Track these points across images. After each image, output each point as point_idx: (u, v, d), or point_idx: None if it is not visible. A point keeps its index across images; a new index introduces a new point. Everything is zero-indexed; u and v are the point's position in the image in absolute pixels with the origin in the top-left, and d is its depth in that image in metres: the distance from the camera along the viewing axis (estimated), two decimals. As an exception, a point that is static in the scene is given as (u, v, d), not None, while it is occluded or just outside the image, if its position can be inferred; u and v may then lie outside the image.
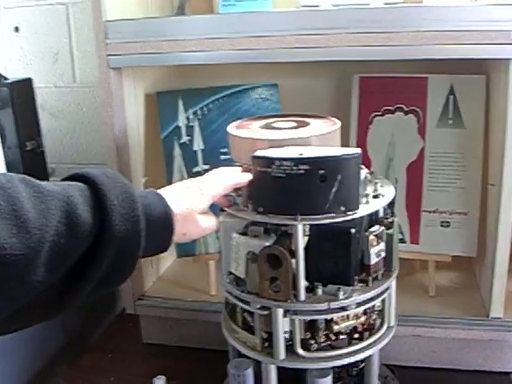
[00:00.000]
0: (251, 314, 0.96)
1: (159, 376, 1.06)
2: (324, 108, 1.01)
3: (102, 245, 0.70)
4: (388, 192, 0.96)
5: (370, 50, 1.11)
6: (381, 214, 0.97)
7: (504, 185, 1.14)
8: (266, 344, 0.96)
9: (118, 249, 0.71)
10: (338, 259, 0.88)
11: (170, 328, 1.43)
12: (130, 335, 1.50)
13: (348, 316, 0.93)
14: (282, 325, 0.91)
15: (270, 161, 0.85)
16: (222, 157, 1.37)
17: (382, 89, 1.35)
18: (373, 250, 0.91)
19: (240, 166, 0.96)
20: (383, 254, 0.93)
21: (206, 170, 1.34)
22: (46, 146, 1.53)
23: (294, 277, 0.89)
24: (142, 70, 1.36)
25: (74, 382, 1.34)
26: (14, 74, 1.68)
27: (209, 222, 0.90)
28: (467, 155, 1.29)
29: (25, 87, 1.47)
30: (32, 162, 1.46)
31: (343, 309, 0.91)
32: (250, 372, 1.02)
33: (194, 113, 1.39)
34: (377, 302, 0.96)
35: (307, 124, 0.99)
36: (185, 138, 1.38)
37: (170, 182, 1.39)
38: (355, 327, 0.96)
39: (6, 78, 1.46)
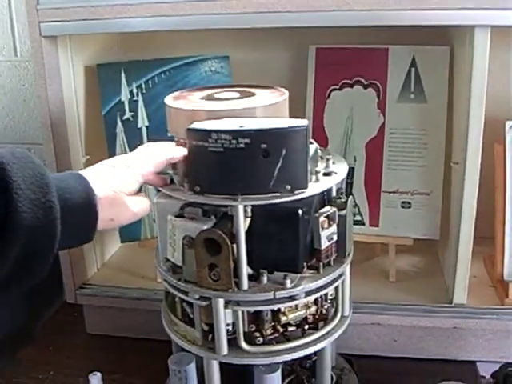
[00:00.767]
0: (191, 304, 0.87)
1: (94, 372, 0.97)
2: (278, 82, 0.92)
3: (6, 235, 0.60)
4: (341, 169, 0.87)
5: (324, 15, 1.02)
6: (334, 193, 0.88)
7: (468, 163, 1.07)
8: (208, 337, 0.87)
9: (27, 240, 0.61)
10: (285, 243, 0.80)
11: (115, 318, 1.33)
12: (73, 326, 1.41)
13: (297, 306, 0.85)
14: (224, 317, 0.83)
15: (206, 134, 0.76)
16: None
17: (340, 61, 1.26)
18: (323, 233, 0.82)
19: (176, 141, 0.87)
20: (335, 238, 0.84)
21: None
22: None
23: (236, 264, 0.80)
24: (81, 40, 1.24)
25: (10, 377, 1.24)
26: None
27: (140, 205, 0.79)
28: (430, 132, 1.22)
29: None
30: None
31: (291, 298, 0.82)
32: (192, 367, 0.93)
33: (138, 87, 1.28)
34: (329, 291, 0.87)
35: (252, 94, 0.90)
36: (128, 114, 1.28)
37: (112, 161, 1.29)
38: (305, 318, 0.88)
39: None
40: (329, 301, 0.90)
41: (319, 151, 0.89)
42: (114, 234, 1.38)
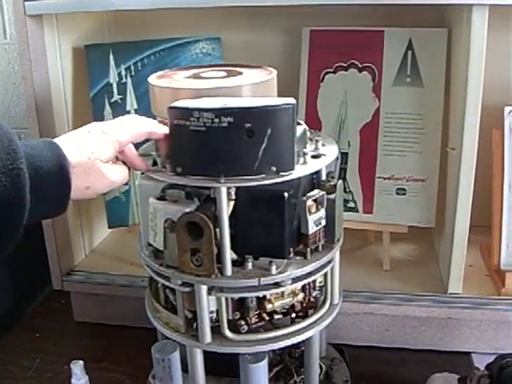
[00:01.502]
0: (173, 291, 0.84)
1: (76, 360, 0.94)
2: (271, 64, 0.89)
3: None
4: (331, 152, 0.83)
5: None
6: (323, 177, 0.84)
7: (464, 148, 1.04)
8: (192, 325, 0.83)
9: None
10: (270, 228, 0.76)
11: (103, 305, 1.31)
12: (61, 313, 1.39)
13: (283, 293, 0.82)
14: (207, 304, 0.79)
15: (187, 112, 0.72)
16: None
17: (335, 43, 1.23)
18: (311, 218, 0.79)
19: (159, 121, 0.83)
20: (323, 223, 0.81)
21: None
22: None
23: (219, 248, 0.76)
24: (68, 20, 1.21)
25: (-6, 364, 1.22)
26: None
27: (117, 173, 0.75)
28: (426, 116, 1.19)
29: None
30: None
31: (277, 285, 0.79)
32: (175, 356, 0.90)
33: (127, 68, 1.25)
34: (317, 277, 0.84)
35: (239, 74, 0.86)
36: (116, 97, 1.25)
37: (100, 145, 1.26)
38: (293, 306, 0.84)
39: None
40: (317, 288, 0.87)
41: (308, 133, 0.85)
42: (102, 220, 1.35)
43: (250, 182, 0.74)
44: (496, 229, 1.18)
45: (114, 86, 1.25)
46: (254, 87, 0.80)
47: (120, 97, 1.25)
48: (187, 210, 0.76)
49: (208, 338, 0.81)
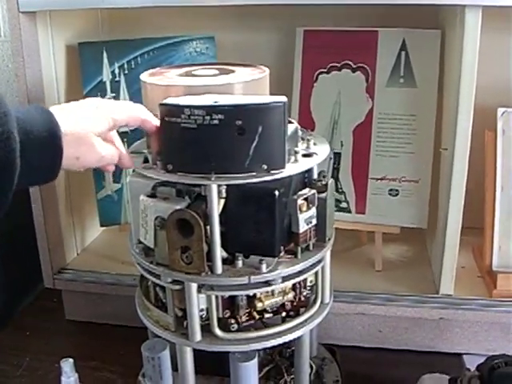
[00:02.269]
0: (164, 289, 0.83)
1: (65, 359, 0.93)
2: (265, 64, 0.89)
3: None
4: (322, 151, 0.83)
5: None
6: (315, 176, 0.84)
7: (457, 149, 1.04)
8: (183, 323, 0.83)
9: None
10: (260, 226, 0.76)
11: (95, 304, 1.30)
12: (52, 312, 1.38)
13: (273, 292, 0.81)
14: (197, 301, 0.79)
15: (178, 109, 0.72)
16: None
17: (328, 44, 1.23)
18: (302, 216, 0.78)
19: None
20: (314, 221, 0.81)
21: (133, 131, 1.23)
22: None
23: (210, 246, 0.76)
24: (62, 17, 1.21)
25: (-16, 362, 1.22)
26: None
27: (108, 149, 0.75)
28: (419, 117, 1.19)
29: None
30: None
31: (267, 283, 0.79)
32: (165, 354, 0.90)
33: (121, 67, 1.25)
34: (308, 276, 0.84)
35: (232, 72, 0.86)
36: (109, 95, 1.25)
37: (93, 144, 1.26)
38: (283, 305, 0.84)
39: None
40: (308, 287, 0.87)
41: (300, 131, 0.85)
42: (95, 219, 1.35)
43: (241, 180, 0.73)
44: (488, 230, 1.18)
45: (108, 84, 1.24)
46: (245, 85, 0.80)
47: (113, 95, 1.24)
48: (178, 207, 0.76)
49: (198, 336, 0.81)
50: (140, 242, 0.83)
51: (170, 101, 0.75)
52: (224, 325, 0.82)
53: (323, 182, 0.82)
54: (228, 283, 0.78)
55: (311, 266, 0.82)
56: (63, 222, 1.28)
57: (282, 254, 0.80)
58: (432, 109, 1.17)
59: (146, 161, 0.82)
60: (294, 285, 0.83)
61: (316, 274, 0.86)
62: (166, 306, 0.84)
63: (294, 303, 0.85)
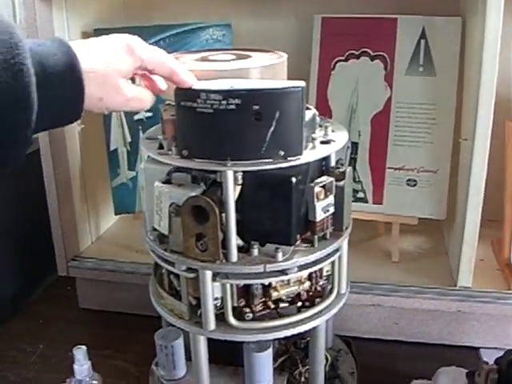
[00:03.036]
0: (178, 277, 0.82)
1: (78, 346, 0.92)
2: (282, 52, 0.87)
3: None
4: (340, 138, 0.82)
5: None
6: (332, 163, 0.83)
7: (477, 139, 1.02)
8: (197, 312, 0.82)
9: None
10: (277, 213, 0.75)
11: (108, 292, 1.30)
12: (66, 300, 1.38)
13: (289, 281, 0.80)
14: (212, 290, 0.78)
15: (194, 93, 0.71)
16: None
17: (347, 31, 1.20)
18: (319, 204, 0.77)
19: (166, 104, 0.82)
20: (332, 210, 0.79)
21: (149, 118, 1.22)
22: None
23: (225, 234, 0.75)
24: (78, 3, 1.20)
25: (-2, 349, 1.22)
26: None
27: (135, 91, 0.69)
28: (438, 107, 1.16)
29: None
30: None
31: (282, 272, 0.77)
32: (179, 343, 0.89)
33: (136, 53, 1.23)
34: (324, 266, 0.82)
35: (249, 57, 0.84)
36: (125, 82, 1.23)
37: (107, 132, 1.25)
38: (299, 294, 0.83)
39: None
40: (324, 277, 0.85)
41: (318, 118, 0.84)
42: (109, 207, 1.34)
43: (257, 167, 0.72)
44: (507, 223, 1.16)
45: (123, 71, 1.23)
46: (263, 70, 0.79)
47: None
48: (193, 193, 0.74)
49: (212, 325, 0.80)
50: (154, 229, 0.82)
51: (185, 85, 0.73)
52: (239, 314, 0.80)
53: (341, 170, 0.81)
54: (243, 271, 0.76)
55: (328, 255, 0.81)
56: (77, 210, 1.28)
57: (298, 243, 0.78)
58: (452, 98, 1.15)
59: (160, 147, 0.80)
60: (310, 274, 0.82)
61: (333, 263, 0.84)
62: (180, 294, 0.83)
63: (310, 293, 0.84)
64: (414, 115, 1.17)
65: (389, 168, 1.20)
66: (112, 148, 1.26)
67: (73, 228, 1.26)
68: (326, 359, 0.97)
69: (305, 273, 0.80)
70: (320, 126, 0.84)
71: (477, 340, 1.16)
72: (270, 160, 0.72)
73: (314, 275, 0.83)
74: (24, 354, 1.19)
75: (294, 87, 0.71)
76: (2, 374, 1.14)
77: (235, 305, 0.80)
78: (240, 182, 0.74)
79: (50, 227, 1.24)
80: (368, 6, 1.19)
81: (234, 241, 0.76)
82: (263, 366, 0.85)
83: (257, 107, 0.70)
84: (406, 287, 1.13)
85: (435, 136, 1.17)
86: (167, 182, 0.78)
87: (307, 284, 0.82)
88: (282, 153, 0.72)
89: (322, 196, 0.77)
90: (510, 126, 1.14)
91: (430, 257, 1.25)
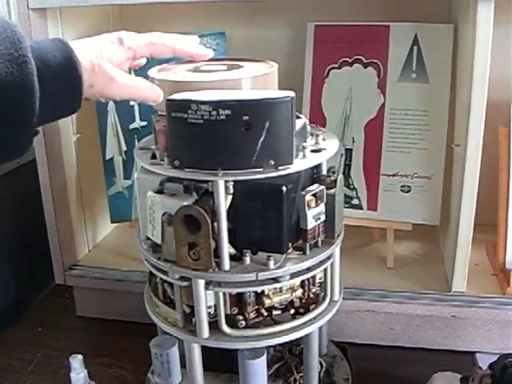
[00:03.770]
0: (171, 285, 0.83)
1: (74, 355, 0.93)
2: (275, 59, 0.88)
3: None
4: (331, 146, 0.82)
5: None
6: (324, 172, 0.84)
7: (469, 145, 1.03)
8: (191, 320, 0.83)
9: (3, 98, 0.58)
10: (268, 222, 0.76)
11: (106, 300, 1.30)
12: (64, 308, 1.38)
13: (281, 289, 0.81)
14: (205, 298, 0.79)
15: (185, 104, 0.72)
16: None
17: (340, 38, 1.21)
18: (310, 213, 0.78)
19: (159, 115, 0.83)
20: (323, 218, 0.80)
21: (144, 127, 1.23)
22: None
23: (217, 243, 0.76)
24: (73, 14, 1.21)
25: (-5, 357, 1.22)
26: None
27: (128, 79, 0.73)
28: (431, 113, 1.17)
29: None
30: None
31: (275, 280, 0.78)
32: (174, 351, 0.89)
33: (131, 63, 1.24)
34: (317, 273, 0.83)
35: (240, 67, 0.85)
36: (120, 91, 1.24)
37: (103, 140, 1.26)
38: (292, 302, 0.83)
39: None
40: (317, 284, 0.86)
41: (308, 127, 0.84)
42: (106, 215, 1.35)
43: (248, 176, 0.73)
44: (502, 227, 1.16)
45: (118, 80, 1.23)
46: (253, 80, 0.79)
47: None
48: (185, 203, 0.75)
49: (206, 333, 0.81)
50: (148, 239, 0.83)
51: (176, 96, 0.74)
52: (232, 321, 0.81)
53: (332, 178, 0.82)
54: (236, 280, 0.77)
55: (320, 262, 0.81)
56: (74, 219, 1.28)
57: (290, 251, 0.79)
58: (444, 104, 1.16)
59: (153, 157, 0.81)
60: (302, 281, 0.82)
61: (325, 270, 0.85)
62: (174, 302, 0.83)
63: (303, 300, 0.84)
64: (408, 121, 1.18)
65: (383, 174, 1.21)
66: (108, 157, 1.27)
67: (70, 237, 1.27)
68: (321, 366, 0.98)
69: (297, 280, 0.80)
70: (311, 134, 0.85)
71: (472, 345, 1.16)
72: (261, 169, 0.73)
73: (306, 282, 0.83)
74: (22, 363, 1.20)
75: (283, 97, 0.71)
76: (-1, 383, 1.15)
77: (228, 313, 0.81)
78: (231, 191, 0.74)
79: (47, 235, 1.25)
80: (361, 13, 1.20)
81: (226, 249, 0.76)
82: (258, 372, 0.86)
83: (247, 117, 0.71)
84: (401, 293, 1.14)
85: (428, 142, 1.17)
86: (160, 191, 0.79)
87: (300, 291, 0.83)
88: (273, 162, 0.73)
89: (313, 204, 0.78)
90: (503, 131, 1.14)
91: (425, 262, 1.25)
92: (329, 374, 0.99)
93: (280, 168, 0.74)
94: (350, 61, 1.20)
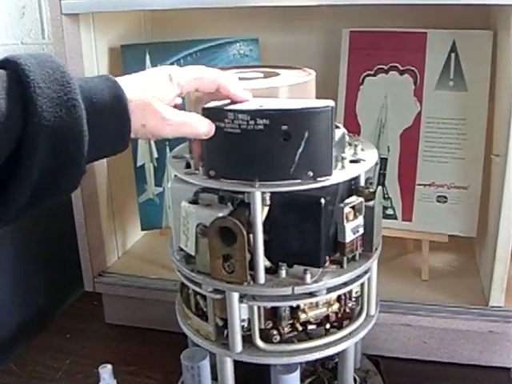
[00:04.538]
0: (204, 297, 0.81)
1: (104, 365, 0.92)
2: (310, 66, 0.86)
3: (28, 140, 0.55)
4: (370, 157, 0.80)
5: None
6: (362, 183, 0.81)
7: (510, 155, 0.99)
8: (224, 333, 0.81)
9: (52, 143, 0.56)
10: (305, 235, 0.73)
11: (135, 308, 1.29)
12: (93, 315, 1.38)
13: (317, 303, 0.79)
14: (239, 312, 0.77)
15: (222, 113, 0.70)
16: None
17: (375, 45, 1.19)
18: (348, 225, 0.76)
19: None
20: (361, 231, 0.78)
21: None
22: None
23: (252, 255, 0.74)
24: (105, 20, 1.20)
25: (24, 364, 1.22)
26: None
27: (176, 116, 0.70)
28: (469, 122, 1.14)
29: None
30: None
31: (311, 294, 0.76)
32: (205, 364, 0.88)
33: (163, 69, 1.23)
34: (353, 288, 0.81)
35: (277, 75, 0.83)
36: (152, 97, 1.23)
37: (134, 147, 1.25)
38: (327, 316, 0.81)
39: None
40: (353, 299, 0.84)
41: (347, 137, 0.82)
42: (136, 222, 1.34)
43: (286, 187, 0.71)
44: (541, 240, 1.13)
45: (150, 86, 1.22)
46: (291, 89, 0.78)
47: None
48: (220, 214, 0.73)
49: (239, 347, 0.79)
50: (181, 249, 0.82)
51: (213, 105, 0.73)
52: (266, 336, 0.79)
53: (371, 190, 0.79)
54: (271, 294, 0.75)
55: (357, 276, 0.79)
56: (104, 225, 1.27)
57: (327, 264, 0.77)
58: (483, 113, 1.13)
59: (188, 166, 0.80)
60: (339, 296, 0.80)
61: (362, 285, 0.83)
62: (206, 314, 0.82)
63: (339, 315, 0.82)
64: (444, 130, 1.15)
65: (418, 184, 1.18)
66: (139, 164, 1.26)
67: (99, 243, 1.26)
68: (355, 381, 0.95)
69: (334, 295, 0.78)
70: (349, 144, 0.83)
71: (508, 361, 1.13)
72: (299, 181, 0.71)
73: (342, 297, 0.81)
74: (50, 370, 1.19)
75: (323, 107, 0.69)
76: (28, 391, 1.14)
77: (262, 327, 0.79)
78: (268, 202, 0.73)
79: (77, 241, 1.24)
80: (397, 19, 1.17)
81: (262, 262, 0.74)
82: (291, 387, 0.84)
83: (285, 127, 0.69)
84: (436, 306, 1.11)
85: (466, 151, 1.15)
86: (194, 201, 0.78)
87: (336, 306, 0.81)
88: (311, 173, 0.71)
89: (351, 217, 0.76)
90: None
91: (461, 275, 1.22)
92: (363, 388, 0.97)
93: (319, 179, 0.72)
94: (386, 68, 1.18)
